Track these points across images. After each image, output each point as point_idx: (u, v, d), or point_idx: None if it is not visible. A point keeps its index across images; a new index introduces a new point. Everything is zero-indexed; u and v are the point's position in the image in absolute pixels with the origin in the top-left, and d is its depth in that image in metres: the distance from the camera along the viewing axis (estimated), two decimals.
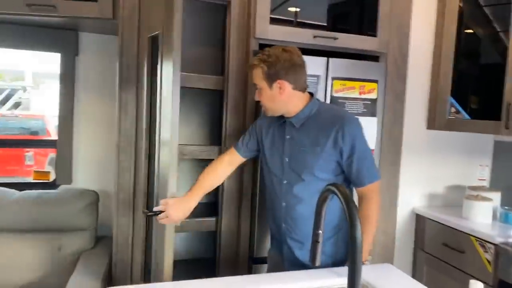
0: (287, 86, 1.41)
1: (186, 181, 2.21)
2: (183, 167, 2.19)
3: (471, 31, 2.23)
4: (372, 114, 2.00)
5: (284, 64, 1.39)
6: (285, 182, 1.48)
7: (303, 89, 1.45)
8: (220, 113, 1.98)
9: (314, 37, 1.94)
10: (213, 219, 1.93)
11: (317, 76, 1.90)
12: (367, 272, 1.26)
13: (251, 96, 1.87)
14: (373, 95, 1.99)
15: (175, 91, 1.41)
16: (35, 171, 2.22)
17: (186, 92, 2.13)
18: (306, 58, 1.85)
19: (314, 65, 1.88)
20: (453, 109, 2.19)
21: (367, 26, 2.08)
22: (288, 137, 1.47)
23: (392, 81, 2.10)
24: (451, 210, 2.24)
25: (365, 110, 1.98)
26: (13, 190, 2.01)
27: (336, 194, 0.83)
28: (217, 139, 2.03)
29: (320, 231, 0.98)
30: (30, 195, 1.99)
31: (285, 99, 1.42)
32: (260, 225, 1.87)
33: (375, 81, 1.99)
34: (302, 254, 1.47)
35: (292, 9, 2.00)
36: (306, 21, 1.98)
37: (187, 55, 2.12)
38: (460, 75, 2.21)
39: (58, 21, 1.96)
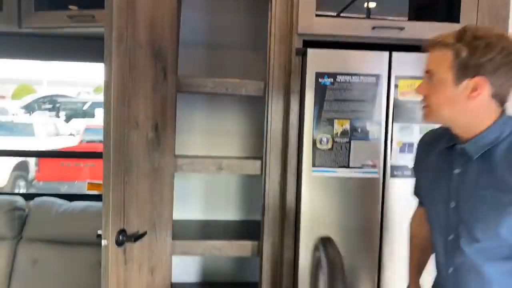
0: (486, 90, 0.93)
1: (227, 198, 2.04)
2: (218, 181, 2.01)
3: None
4: None
5: (498, 57, 0.90)
6: (450, 238, 1.01)
7: (503, 100, 0.96)
8: (262, 122, 1.74)
9: (373, 28, 1.59)
10: (254, 242, 1.70)
11: (377, 76, 1.54)
12: None
13: (295, 106, 1.60)
14: None
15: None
16: (89, 183, 2.25)
17: (225, 99, 1.97)
18: (360, 53, 1.55)
19: (371, 61, 1.56)
20: None
21: (446, 10, 1.66)
22: (457, 171, 1.00)
23: None
24: None
25: None
26: (63, 201, 2.04)
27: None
28: (259, 151, 1.80)
29: None
30: (77, 206, 1.99)
31: (472, 108, 0.95)
32: (304, 254, 1.57)
33: None
34: None
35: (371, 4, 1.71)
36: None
37: (227, 59, 1.99)
38: None
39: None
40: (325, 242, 0.42)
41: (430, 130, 1.19)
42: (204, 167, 1.71)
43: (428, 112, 1.01)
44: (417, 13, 1.74)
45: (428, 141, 1.16)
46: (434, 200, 1.07)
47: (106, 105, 1.22)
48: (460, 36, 0.94)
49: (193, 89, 1.69)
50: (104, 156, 1.22)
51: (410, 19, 1.73)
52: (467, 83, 0.93)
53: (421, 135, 1.51)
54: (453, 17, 1.64)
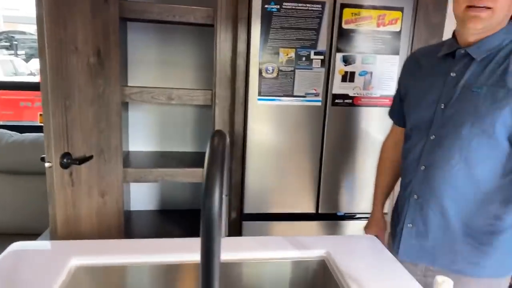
0: None
1: (183, 131, 2.08)
2: (173, 112, 2.04)
3: None
4: (394, 51, 1.61)
5: None
6: (432, 137, 1.08)
7: None
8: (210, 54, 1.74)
9: None
10: (201, 169, 1.77)
11: (322, 3, 1.54)
12: (344, 243, 1.06)
13: (243, 35, 1.60)
14: (395, 27, 1.59)
15: None
16: (41, 114, 2.20)
17: (177, 30, 1.93)
18: None
19: None
20: None
21: None
22: (453, 74, 1.04)
23: (425, 9, 1.66)
24: None
25: (383, 46, 1.60)
26: (13, 132, 2.02)
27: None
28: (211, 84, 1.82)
29: None
30: (27, 137, 1.98)
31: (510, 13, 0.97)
32: (252, 178, 1.67)
33: (400, 9, 1.58)
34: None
35: None
36: None
37: None
38: None
39: None
40: (214, 135, 0.46)
41: (419, 48, 1.27)
42: (153, 97, 1.72)
43: (490, 16, 0.95)
44: None
45: (419, 56, 1.20)
46: (422, 105, 1.11)
47: (39, 26, 1.19)
48: None
49: (138, 15, 1.64)
50: (41, 80, 1.21)
51: None
52: None
53: (363, 65, 1.58)
54: None
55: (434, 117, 1.07)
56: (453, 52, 1.06)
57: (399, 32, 1.59)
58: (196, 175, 1.78)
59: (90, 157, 1.40)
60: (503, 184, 1.02)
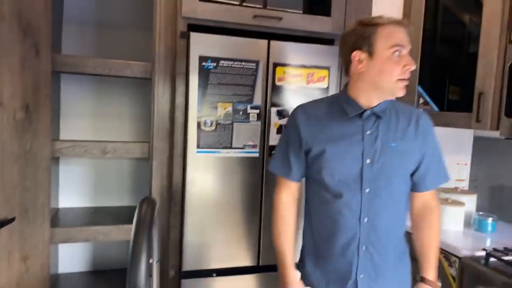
0: None
1: (118, 184, 2.00)
2: (108, 165, 1.97)
3: (442, 12, 1.95)
4: None
5: None
6: (367, 191, 1.16)
7: None
8: (149, 105, 1.74)
9: (255, 16, 1.68)
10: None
11: (256, 62, 1.64)
12: None
13: (181, 88, 1.64)
14: (323, 84, 1.73)
15: None
16: None
17: (114, 81, 1.93)
18: (242, 40, 1.63)
19: (252, 48, 1.64)
20: (421, 100, 1.92)
21: (320, 5, 1.81)
22: (368, 132, 1.17)
23: None
24: None
25: None
26: None
27: None
28: (146, 134, 1.80)
29: None
30: None
31: None
32: (191, 233, 1.63)
33: (327, 68, 1.73)
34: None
35: None
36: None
37: (116, 39, 1.93)
38: (430, 62, 1.94)
39: None
40: (142, 201, 0.46)
41: (307, 106, 1.26)
42: (87, 151, 1.65)
43: (406, 86, 1.15)
44: (310, 6, 1.80)
45: (318, 115, 1.21)
46: (346, 162, 1.17)
47: None
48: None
49: (72, 69, 1.61)
50: None
51: (304, 10, 1.78)
52: None
53: None
54: (325, 9, 1.79)
55: (363, 172, 1.16)
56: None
57: (326, 88, 1.73)
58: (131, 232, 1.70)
59: (12, 220, 1.28)
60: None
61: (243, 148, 1.65)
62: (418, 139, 1.19)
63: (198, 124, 1.60)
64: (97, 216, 1.83)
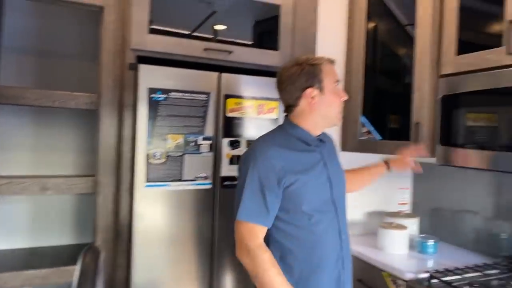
0: None
1: (61, 221, 1.87)
2: (49, 201, 1.84)
3: (381, 46, 2.11)
4: None
5: None
6: (339, 210, 1.32)
7: None
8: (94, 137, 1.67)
9: (205, 49, 1.70)
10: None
11: (207, 94, 1.65)
12: None
13: (129, 120, 1.59)
14: (273, 115, 1.77)
15: None
16: None
17: (57, 112, 1.83)
18: (193, 72, 1.64)
19: (203, 80, 1.65)
20: (364, 129, 2.03)
21: (269, 40, 1.88)
22: (325, 157, 1.34)
23: None
24: (370, 239, 2.04)
25: (263, 131, 1.73)
26: None
27: None
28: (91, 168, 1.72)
29: None
30: None
31: None
32: (139, 272, 1.55)
33: (276, 100, 1.78)
34: None
35: (218, 27, 1.77)
36: (199, 34, 1.73)
37: (61, 70, 1.86)
38: (372, 93, 2.07)
39: None
40: (86, 251, 0.43)
41: (264, 143, 1.27)
42: (24, 188, 1.54)
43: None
44: (259, 39, 1.87)
45: (285, 150, 1.24)
46: (319, 189, 1.28)
47: None
48: None
49: (11, 101, 1.51)
50: None
51: (254, 42, 1.84)
52: None
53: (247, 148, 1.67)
54: (273, 43, 1.87)
55: (332, 195, 1.30)
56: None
57: (276, 119, 1.77)
58: (72, 274, 1.58)
59: None
60: None
61: (194, 180, 1.62)
62: (335, 151, 1.46)
63: (147, 157, 1.55)
64: (34, 258, 1.69)
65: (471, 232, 1.96)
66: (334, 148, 1.46)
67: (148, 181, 1.55)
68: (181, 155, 1.60)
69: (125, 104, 1.59)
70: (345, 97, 1.33)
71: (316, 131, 1.33)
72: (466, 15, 1.62)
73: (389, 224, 1.94)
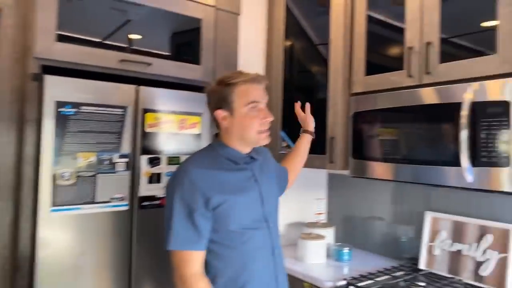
0: None
1: None
2: None
3: (300, 64, 2.21)
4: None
5: None
6: (272, 225, 1.31)
7: None
8: None
9: (121, 60, 1.60)
10: None
11: (124, 108, 1.55)
12: None
13: (32, 137, 1.41)
14: (195, 131, 1.73)
15: None
16: None
17: None
18: (108, 84, 1.53)
19: (119, 94, 1.55)
20: (284, 143, 2.09)
21: (188, 52, 1.84)
22: (256, 173, 1.32)
23: None
24: (291, 250, 2.10)
25: (185, 147, 1.70)
26: None
27: None
28: None
29: None
30: None
31: None
32: None
33: (199, 114, 1.74)
34: None
35: (133, 36, 1.65)
36: (115, 43, 1.62)
37: None
38: (291, 109, 2.15)
39: None
40: None
41: (190, 166, 1.22)
42: None
43: (268, 134, 1.29)
44: (177, 51, 1.80)
45: (208, 170, 1.21)
46: (251, 207, 1.26)
47: None
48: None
49: None
50: None
51: (171, 55, 1.78)
52: None
53: (169, 166, 1.61)
54: (197, 61, 1.83)
55: (264, 211, 1.29)
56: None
57: (199, 135, 1.74)
58: None
59: None
60: None
61: (109, 202, 1.50)
62: (270, 163, 1.45)
63: (54, 178, 1.39)
64: None
65: (379, 238, 2.13)
66: (268, 161, 1.44)
67: (54, 205, 1.39)
68: (94, 175, 1.47)
69: (26, 119, 1.41)
70: (267, 118, 1.25)
71: (243, 149, 1.29)
72: (373, 40, 1.78)
73: (308, 235, 2.01)
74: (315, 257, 1.94)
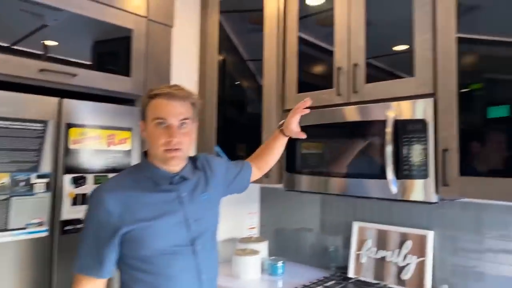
0: None
1: None
2: None
3: (234, 80, 2.22)
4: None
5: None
6: (199, 248, 1.21)
7: None
8: None
9: (41, 70, 1.44)
10: None
11: (44, 122, 1.39)
12: None
13: None
14: (125, 147, 1.62)
15: None
16: None
17: None
18: (25, 96, 1.36)
19: (38, 107, 1.40)
20: None
21: (112, 62, 1.73)
22: (184, 193, 1.23)
23: None
24: (226, 268, 2.06)
25: (115, 165, 1.58)
26: None
27: None
28: None
29: None
30: None
31: None
32: None
33: (129, 129, 1.64)
34: None
35: (49, 42, 1.47)
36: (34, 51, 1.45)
37: None
38: (225, 123, 2.14)
39: None
40: None
41: (105, 187, 1.19)
42: None
43: (182, 155, 1.20)
44: (100, 60, 1.67)
45: (124, 192, 1.16)
46: (171, 230, 1.17)
47: None
48: (191, 92, 1.24)
49: None
50: None
51: (95, 65, 1.64)
52: (194, 126, 1.27)
53: (96, 185, 1.48)
54: (127, 72, 1.73)
55: (190, 233, 1.20)
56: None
57: (129, 151, 1.63)
58: None
59: None
60: None
61: (25, 228, 1.32)
62: (213, 176, 1.35)
63: None
64: None
65: (310, 249, 2.20)
66: (215, 171, 1.36)
67: None
68: (7, 198, 1.29)
69: None
70: (170, 139, 1.15)
71: (169, 168, 1.21)
72: (305, 59, 1.86)
73: (242, 251, 2.00)
74: (250, 273, 1.94)
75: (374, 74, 1.61)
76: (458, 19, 1.38)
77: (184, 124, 1.19)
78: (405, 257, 1.77)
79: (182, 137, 1.18)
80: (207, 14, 2.21)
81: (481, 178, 1.30)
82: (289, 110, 1.87)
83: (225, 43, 2.16)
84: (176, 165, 1.21)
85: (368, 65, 1.63)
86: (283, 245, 2.32)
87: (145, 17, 1.80)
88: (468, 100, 1.35)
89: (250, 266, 1.94)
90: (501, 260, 1.57)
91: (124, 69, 1.73)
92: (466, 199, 1.58)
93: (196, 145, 2.15)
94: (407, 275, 1.73)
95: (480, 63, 1.35)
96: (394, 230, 1.84)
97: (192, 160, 1.35)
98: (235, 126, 2.22)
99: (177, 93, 1.18)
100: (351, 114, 1.63)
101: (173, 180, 1.22)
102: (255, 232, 2.44)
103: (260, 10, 1.98)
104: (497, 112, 1.29)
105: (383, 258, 1.83)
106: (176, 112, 1.17)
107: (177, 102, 1.18)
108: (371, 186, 1.55)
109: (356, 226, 1.96)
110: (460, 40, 1.37)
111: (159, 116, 1.16)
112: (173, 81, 2.02)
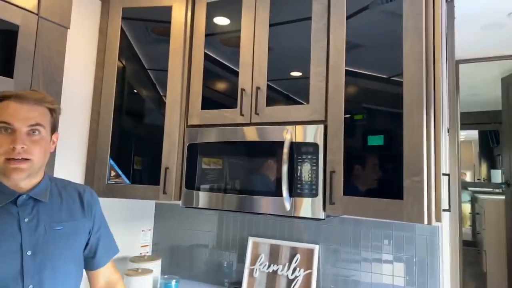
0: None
1: None
2: None
3: (134, 90, 2.12)
4: None
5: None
6: (30, 287, 1.02)
7: None
8: None
9: None
10: None
11: None
12: None
13: None
14: None
15: None
16: None
17: None
18: None
19: None
20: (113, 173, 1.94)
21: (3, 65, 1.52)
22: (27, 219, 1.05)
23: None
24: None
25: None
26: None
27: None
28: None
29: None
30: None
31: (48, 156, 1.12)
32: None
33: None
34: None
35: None
36: None
37: None
38: (121, 135, 2.03)
39: None
40: None
41: None
42: None
43: (30, 166, 1.04)
44: None
45: None
46: (1, 260, 0.99)
47: None
48: (46, 95, 1.12)
49: None
50: None
51: None
52: (54, 136, 1.14)
53: None
54: (8, 73, 1.53)
55: (25, 267, 1.02)
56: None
57: None
58: None
59: None
60: None
61: None
62: (86, 216, 1.20)
63: None
64: None
65: (204, 265, 2.20)
66: (79, 210, 1.19)
67: None
68: None
69: None
70: (13, 145, 1.01)
71: (13, 183, 1.05)
72: (210, 77, 1.90)
73: (134, 271, 1.90)
74: None
75: (275, 97, 1.73)
76: (346, 53, 1.58)
77: (36, 132, 1.05)
78: (294, 270, 1.89)
79: (31, 145, 1.03)
80: (108, 19, 2.09)
81: (360, 197, 1.49)
82: (191, 126, 1.88)
83: (126, 50, 2.06)
84: (20, 180, 1.04)
85: (269, 88, 1.74)
86: (178, 263, 2.27)
87: (36, 14, 1.63)
88: (352, 128, 1.55)
89: (143, 286, 1.85)
90: (374, 269, 1.80)
91: (5, 69, 1.52)
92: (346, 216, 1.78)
93: (87, 156, 1.98)
94: (295, 287, 1.86)
95: (362, 95, 1.56)
96: (286, 244, 1.96)
97: (63, 183, 1.20)
98: (133, 137, 2.12)
99: (29, 95, 1.06)
100: (252, 134, 1.71)
101: (18, 200, 1.05)
102: (147, 250, 2.33)
103: (167, 22, 1.96)
104: (374, 140, 1.50)
105: (275, 272, 1.93)
106: (25, 117, 1.03)
107: (28, 106, 1.05)
108: (267, 203, 1.64)
109: (250, 241, 2.03)
110: (347, 73, 1.57)
111: (3, 119, 1.01)
112: (65, 86, 1.86)
